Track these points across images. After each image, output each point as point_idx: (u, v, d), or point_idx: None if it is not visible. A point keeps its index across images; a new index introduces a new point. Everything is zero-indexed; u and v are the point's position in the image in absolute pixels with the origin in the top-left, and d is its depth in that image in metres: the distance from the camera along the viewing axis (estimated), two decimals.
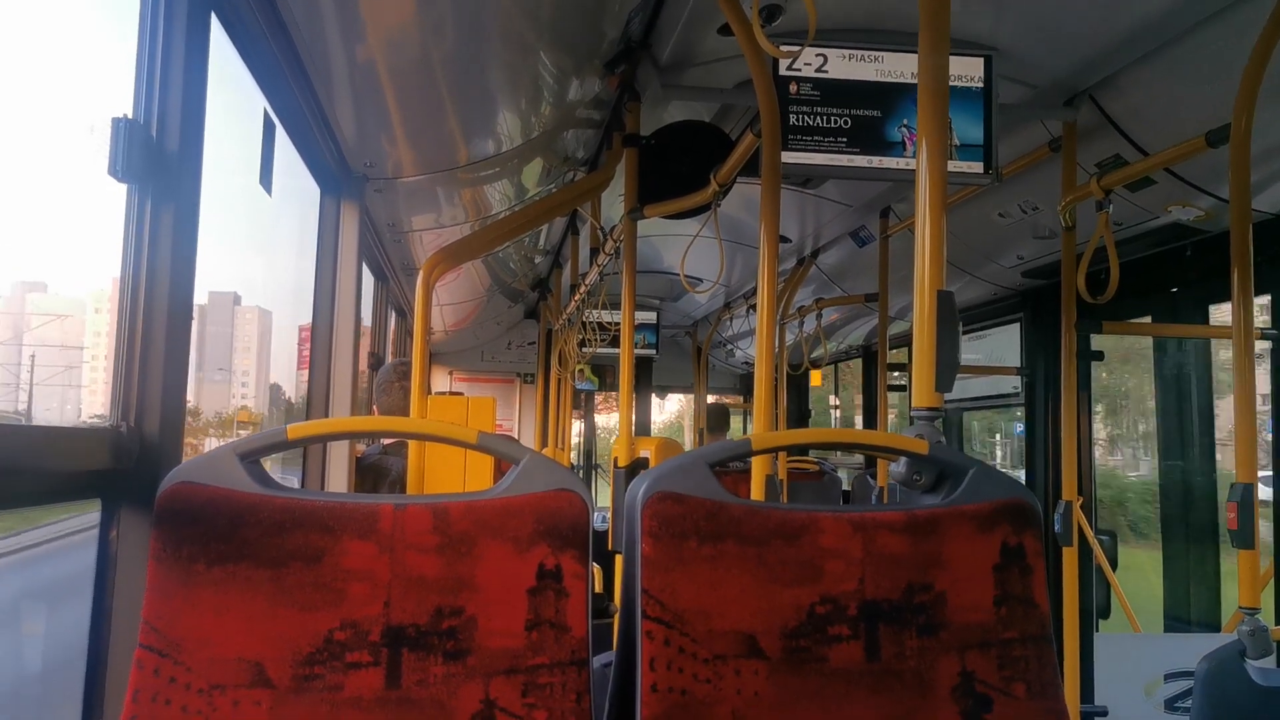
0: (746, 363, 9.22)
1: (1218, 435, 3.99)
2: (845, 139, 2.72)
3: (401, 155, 3.23)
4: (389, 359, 5.47)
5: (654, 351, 7.82)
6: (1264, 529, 2.73)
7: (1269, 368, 3.51)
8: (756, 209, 2.42)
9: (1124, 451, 12.42)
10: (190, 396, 1.74)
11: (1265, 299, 3.42)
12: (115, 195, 1.56)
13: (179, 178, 1.62)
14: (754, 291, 5.39)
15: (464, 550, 1.38)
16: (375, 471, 3.51)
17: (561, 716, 1.34)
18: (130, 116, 1.54)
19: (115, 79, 1.62)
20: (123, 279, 1.56)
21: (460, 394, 8.47)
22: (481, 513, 1.40)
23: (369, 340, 4.86)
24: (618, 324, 3.89)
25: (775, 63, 2.64)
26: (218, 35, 1.87)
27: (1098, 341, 3.69)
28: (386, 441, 3.63)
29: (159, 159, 1.58)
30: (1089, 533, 3.40)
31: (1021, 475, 4.90)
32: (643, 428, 8.96)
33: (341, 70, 2.51)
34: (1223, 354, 4.03)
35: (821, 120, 2.71)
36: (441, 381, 9.43)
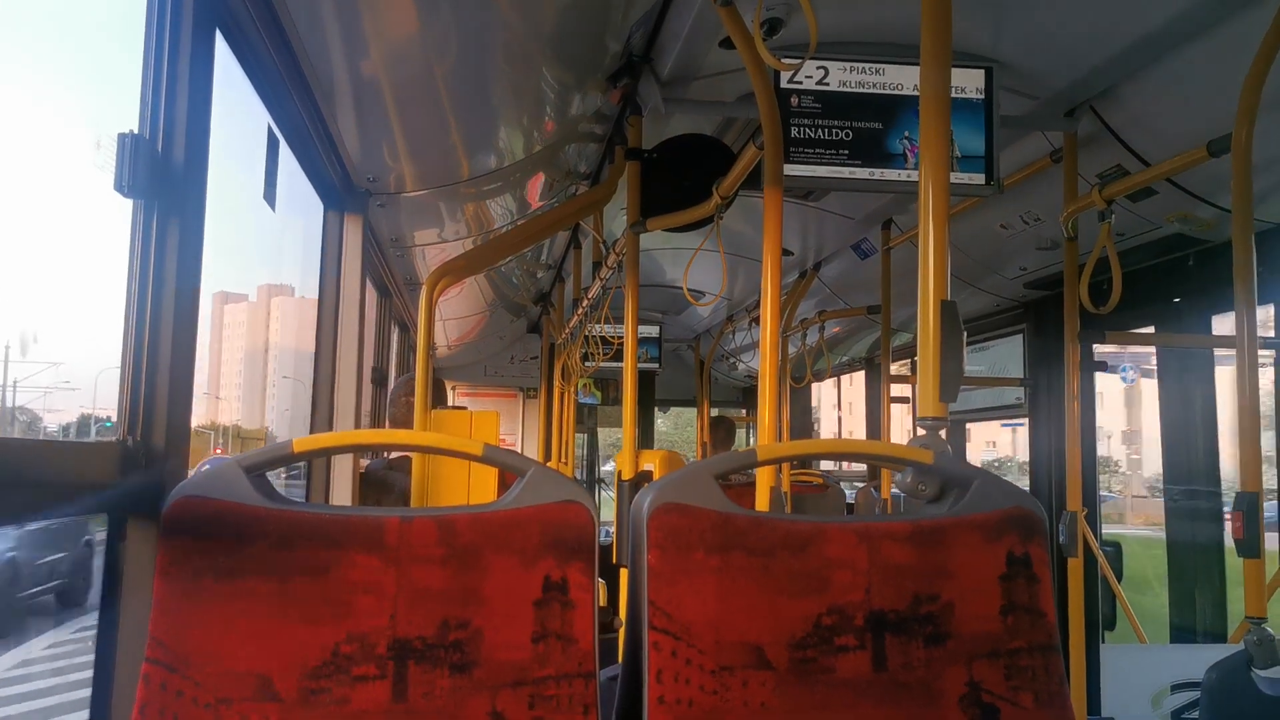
0: (749, 376, 9.22)
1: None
2: (847, 151, 2.72)
3: (404, 170, 3.24)
4: (391, 374, 5.47)
5: (656, 365, 7.83)
6: (1270, 538, 2.73)
7: (1272, 377, 3.51)
8: (759, 222, 2.42)
9: None
10: None
11: (1268, 309, 3.42)
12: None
13: (184, 193, 1.63)
14: (756, 304, 5.39)
15: (470, 563, 1.38)
16: (379, 485, 3.51)
17: None
18: (136, 132, 1.55)
19: (122, 95, 1.63)
20: (128, 293, 1.56)
21: (464, 408, 8.46)
22: (487, 525, 1.40)
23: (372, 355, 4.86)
24: (620, 338, 3.89)
25: (777, 75, 2.64)
26: (222, 52, 1.88)
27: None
28: (393, 455, 3.63)
29: (164, 174, 1.59)
30: (1094, 543, 3.39)
31: None
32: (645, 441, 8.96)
33: (345, 86, 2.52)
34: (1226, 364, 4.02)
35: (823, 133, 2.71)
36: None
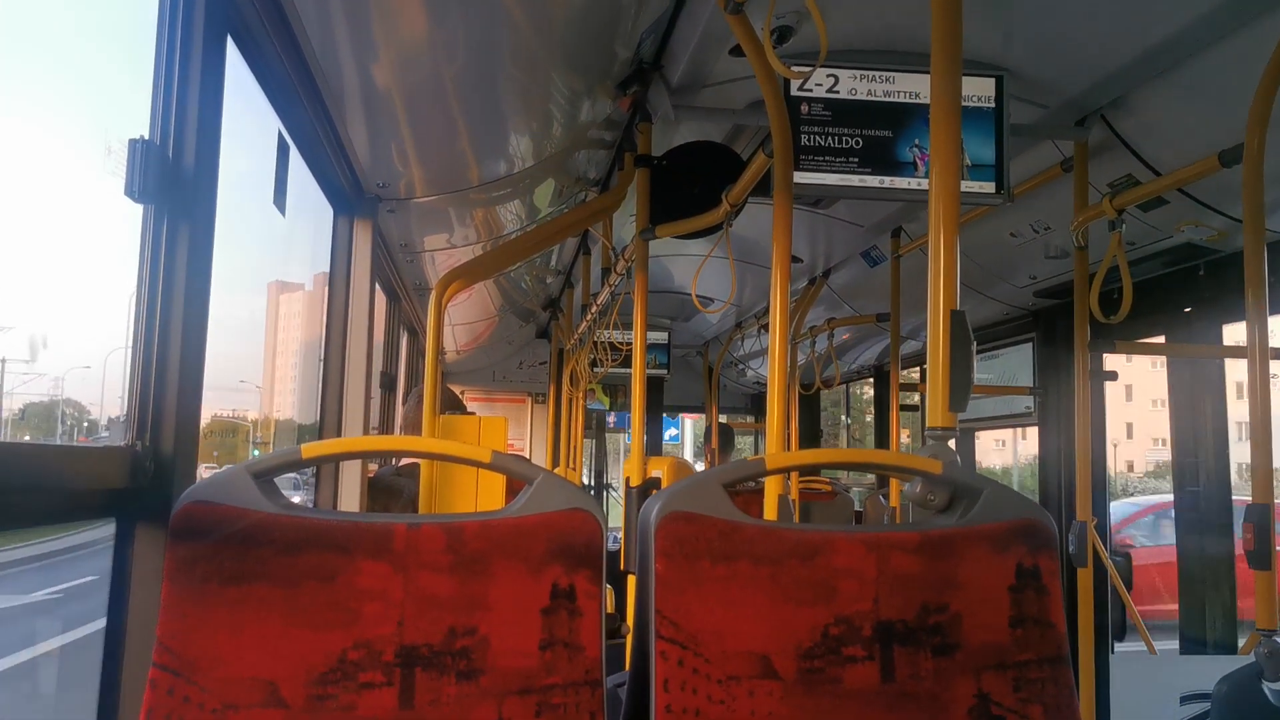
0: (758, 383, 9.21)
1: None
2: (857, 159, 2.72)
3: (414, 176, 3.25)
4: (400, 379, 5.48)
5: (665, 371, 7.82)
6: None
7: None
8: (768, 229, 2.42)
9: None
10: None
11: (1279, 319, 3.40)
12: None
13: (195, 198, 1.63)
14: (766, 311, 5.38)
15: (477, 570, 1.37)
16: (388, 492, 3.51)
17: None
18: (147, 138, 1.56)
19: (133, 101, 1.63)
20: (138, 298, 1.57)
21: (473, 414, 8.48)
22: (495, 532, 1.39)
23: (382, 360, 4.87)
24: (629, 344, 3.89)
25: (787, 83, 2.64)
26: (233, 58, 1.88)
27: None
28: (404, 462, 3.64)
29: (175, 180, 1.59)
30: (1103, 553, 3.38)
31: None
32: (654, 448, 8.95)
33: (355, 92, 2.53)
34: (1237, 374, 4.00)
35: (833, 140, 2.71)
36: None
